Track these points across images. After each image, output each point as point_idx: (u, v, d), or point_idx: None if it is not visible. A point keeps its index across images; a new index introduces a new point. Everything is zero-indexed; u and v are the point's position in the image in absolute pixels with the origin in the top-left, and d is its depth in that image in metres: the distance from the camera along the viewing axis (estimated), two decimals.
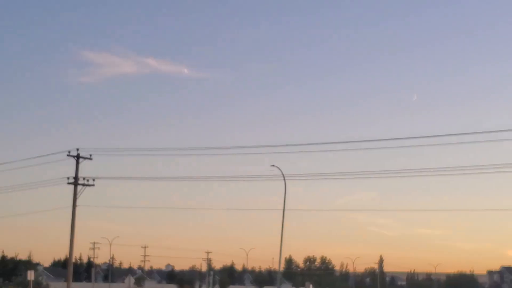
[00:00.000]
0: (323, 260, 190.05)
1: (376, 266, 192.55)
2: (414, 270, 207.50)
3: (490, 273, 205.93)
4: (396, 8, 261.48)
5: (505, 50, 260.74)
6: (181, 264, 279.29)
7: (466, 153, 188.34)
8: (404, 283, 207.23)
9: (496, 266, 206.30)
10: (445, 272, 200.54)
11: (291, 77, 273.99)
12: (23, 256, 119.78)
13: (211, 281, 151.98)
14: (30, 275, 75.53)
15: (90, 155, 56.03)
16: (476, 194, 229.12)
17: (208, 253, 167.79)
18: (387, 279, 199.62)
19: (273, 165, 65.98)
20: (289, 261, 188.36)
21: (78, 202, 55.41)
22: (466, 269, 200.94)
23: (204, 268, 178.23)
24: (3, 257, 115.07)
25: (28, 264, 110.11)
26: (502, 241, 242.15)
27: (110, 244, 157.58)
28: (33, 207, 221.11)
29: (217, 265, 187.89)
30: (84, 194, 55.21)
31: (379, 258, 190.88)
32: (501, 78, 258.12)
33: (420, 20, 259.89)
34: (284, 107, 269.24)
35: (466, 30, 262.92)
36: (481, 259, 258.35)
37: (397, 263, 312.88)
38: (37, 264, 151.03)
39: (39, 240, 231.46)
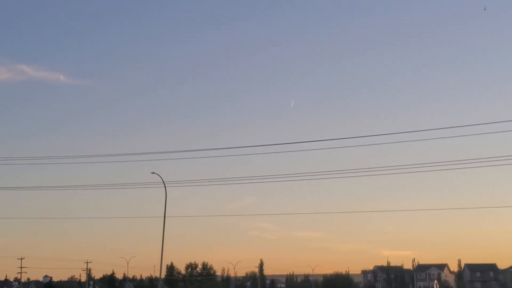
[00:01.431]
0: (205, 265, 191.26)
1: (256, 270, 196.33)
2: (293, 272, 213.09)
3: (365, 272, 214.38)
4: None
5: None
6: (60, 275, 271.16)
7: (342, 157, 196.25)
8: (283, 285, 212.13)
9: (370, 266, 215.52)
10: (322, 273, 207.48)
11: (165, 82, 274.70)
12: None
13: None
14: None
15: None
16: (352, 197, 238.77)
17: (87, 262, 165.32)
18: (267, 282, 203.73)
19: (153, 172, 66.87)
20: (171, 268, 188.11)
21: None
22: (342, 269, 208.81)
23: (83, 278, 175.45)
24: None
25: None
26: (377, 241, 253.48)
27: None
28: None
29: (97, 274, 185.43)
30: None
31: (259, 261, 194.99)
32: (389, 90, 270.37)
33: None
34: (161, 114, 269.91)
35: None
36: (357, 260, 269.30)
37: (277, 266, 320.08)
38: None
39: None
